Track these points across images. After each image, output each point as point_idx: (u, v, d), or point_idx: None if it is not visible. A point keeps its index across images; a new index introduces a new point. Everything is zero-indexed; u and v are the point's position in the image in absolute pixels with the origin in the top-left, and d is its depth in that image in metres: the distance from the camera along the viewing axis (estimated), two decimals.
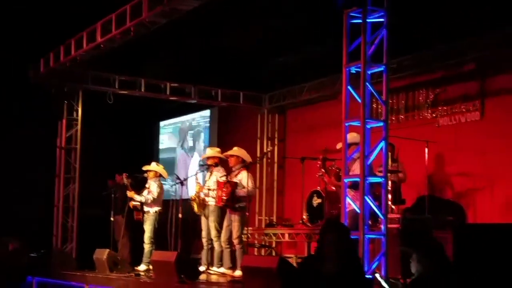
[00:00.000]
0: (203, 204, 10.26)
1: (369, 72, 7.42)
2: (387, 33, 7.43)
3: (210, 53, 13.28)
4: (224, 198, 9.64)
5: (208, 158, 10.53)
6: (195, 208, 10.31)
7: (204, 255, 10.30)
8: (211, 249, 10.14)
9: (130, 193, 11.25)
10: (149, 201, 11.02)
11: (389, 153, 9.33)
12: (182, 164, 17.38)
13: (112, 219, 12.15)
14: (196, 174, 10.59)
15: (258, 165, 14.67)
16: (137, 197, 11.14)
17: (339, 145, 8.66)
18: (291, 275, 5.76)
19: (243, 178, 9.72)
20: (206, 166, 10.59)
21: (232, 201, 9.67)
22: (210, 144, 15.58)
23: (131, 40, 10.83)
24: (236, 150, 10.08)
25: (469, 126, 10.91)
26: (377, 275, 6.58)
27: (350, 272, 5.21)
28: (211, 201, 10.06)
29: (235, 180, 9.82)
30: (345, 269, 5.07)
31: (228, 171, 10.20)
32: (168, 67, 13.93)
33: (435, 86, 11.49)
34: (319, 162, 10.22)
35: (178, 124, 17.90)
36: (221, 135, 16.27)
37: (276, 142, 15.14)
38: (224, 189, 9.67)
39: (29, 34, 13.61)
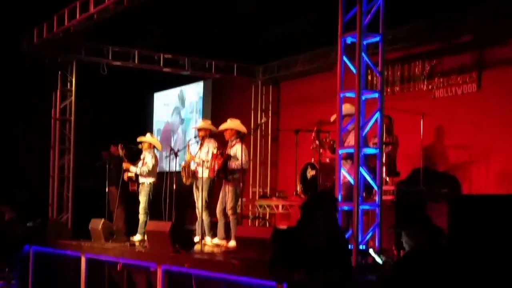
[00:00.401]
0: (191, 175, 10.26)
1: (364, 43, 7.37)
2: (383, 3, 7.37)
3: (203, 24, 13.19)
4: (217, 168, 9.63)
5: (200, 129, 10.50)
6: (183, 178, 10.31)
7: (198, 226, 10.31)
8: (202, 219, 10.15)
9: (125, 165, 11.25)
10: (144, 173, 11.02)
11: (385, 125, 9.34)
12: (173, 136, 17.38)
13: (106, 190, 12.16)
14: (188, 145, 10.57)
15: (252, 137, 14.67)
16: (133, 169, 11.14)
17: (333, 117, 8.66)
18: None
19: (237, 150, 9.71)
20: (197, 137, 10.58)
21: (225, 172, 9.66)
22: (204, 116, 15.56)
23: (124, 10, 10.72)
24: (230, 123, 10.03)
25: (465, 98, 10.90)
26: (371, 250, 6.59)
27: (336, 245, 5.40)
28: (203, 173, 10.03)
29: (230, 152, 9.80)
30: (332, 242, 5.10)
31: (221, 143, 10.18)
32: (161, 38, 13.85)
33: (431, 58, 11.45)
34: (313, 134, 10.20)
35: (172, 96, 17.85)
36: (215, 107, 16.24)
37: (270, 114, 15.13)
38: (217, 160, 9.66)
39: (22, 5, 13.49)
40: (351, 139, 8.03)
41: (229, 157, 9.66)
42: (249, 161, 9.84)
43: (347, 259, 5.47)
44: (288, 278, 4.92)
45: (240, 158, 9.60)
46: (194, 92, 17.04)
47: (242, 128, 10.06)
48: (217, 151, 9.85)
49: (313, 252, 4.91)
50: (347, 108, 8.04)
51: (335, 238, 5.13)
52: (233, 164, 9.64)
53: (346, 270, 5.11)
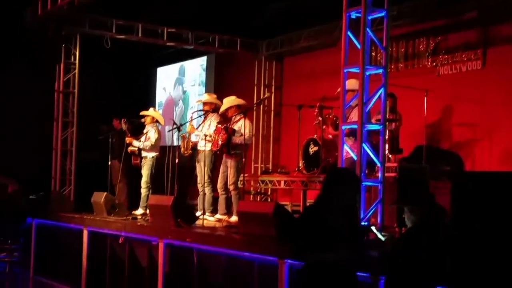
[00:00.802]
0: (191, 147, 10.27)
1: (369, 18, 7.32)
2: None
3: None
4: (220, 143, 9.62)
5: (205, 103, 10.47)
6: (182, 149, 10.31)
7: (200, 201, 10.33)
8: (204, 193, 10.16)
9: (129, 139, 11.26)
10: (147, 147, 11.03)
11: (389, 103, 9.30)
12: (175, 108, 17.38)
13: (109, 163, 12.18)
14: (191, 119, 10.55)
15: (254, 112, 14.62)
16: (136, 143, 11.14)
17: (338, 90, 8.62)
18: (292, 224, 5.71)
19: (242, 125, 9.70)
20: (202, 111, 10.56)
21: (228, 147, 9.64)
22: (207, 91, 15.52)
23: None
24: (229, 101, 10.00)
25: (470, 76, 10.84)
26: (373, 228, 6.59)
27: (355, 223, 5.26)
28: (205, 147, 10.02)
29: (235, 127, 9.78)
30: (351, 220, 5.04)
31: (225, 118, 10.16)
32: (165, 12, 13.77)
33: (436, 34, 11.37)
34: (316, 110, 10.16)
35: (175, 70, 17.81)
36: (218, 82, 16.20)
37: (273, 90, 15.08)
38: (221, 134, 9.64)
39: None
40: (354, 115, 8.01)
41: (233, 131, 9.64)
42: (252, 136, 9.80)
43: (361, 241, 5.36)
44: (313, 258, 4.88)
45: (244, 133, 9.59)
46: (196, 66, 16.99)
47: (241, 101, 10.05)
48: (221, 125, 9.82)
49: (329, 231, 4.83)
50: (351, 83, 8.00)
51: (351, 218, 5.03)
52: (237, 139, 9.63)
53: (358, 252, 5.05)
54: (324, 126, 9.92)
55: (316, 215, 5.01)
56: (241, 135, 9.63)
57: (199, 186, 10.32)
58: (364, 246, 5.42)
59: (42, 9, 12.75)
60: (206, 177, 10.05)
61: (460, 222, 5.17)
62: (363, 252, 5.32)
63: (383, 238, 5.29)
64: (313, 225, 4.92)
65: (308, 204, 9.82)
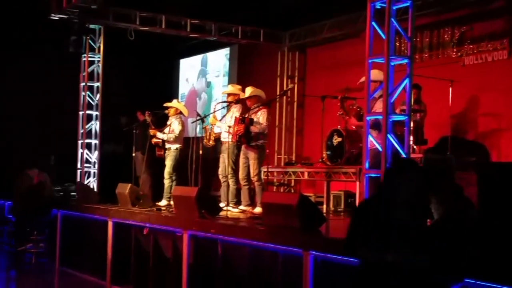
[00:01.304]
0: (214, 138, 10.28)
1: (394, 8, 7.26)
2: None
3: None
4: (238, 134, 9.59)
5: (229, 94, 10.46)
6: (205, 140, 10.32)
7: (223, 192, 10.34)
8: (228, 186, 10.16)
9: (152, 131, 11.28)
10: (171, 139, 11.05)
11: (414, 94, 9.23)
12: (198, 100, 17.41)
13: (133, 155, 12.23)
14: (214, 110, 10.55)
15: (278, 103, 14.63)
16: (160, 135, 11.17)
17: (362, 79, 8.58)
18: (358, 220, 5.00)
19: (261, 114, 9.68)
20: (226, 102, 10.55)
21: (246, 137, 9.61)
22: (230, 82, 15.52)
23: None
24: (252, 91, 9.97)
25: (495, 66, 10.73)
26: None
27: (424, 222, 4.73)
28: (229, 138, 10.01)
29: (254, 117, 9.75)
30: (419, 218, 4.52)
31: (248, 110, 10.13)
32: (188, 4, 13.79)
33: (461, 24, 11.27)
34: (338, 102, 10.12)
35: (198, 61, 17.83)
36: (241, 73, 16.20)
37: (296, 81, 15.05)
38: (238, 126, 9.61)
39: None
40: (377, 107, 7.95)
41: (251, 121, 9.59)
42: (268, 126, 9.70)
43: (433, 243, 4.62)
44: (370, 257, 4.39)
45: (261, 122, 9.57)
46: (220, 56, 16.99)
47: (263, 94, 10.03)
48: (240, 116, 9.80)
49: (389, 228, 4.35)
50: (374, 74, 7.93)
51: (419, 216, 4.49)
52: (256, 128, 9.58)
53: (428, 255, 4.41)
54: (347, 117, 9.88)
55: (374, 209, 4.50)
56: (259, 124, 9.61)
57: (220, 177, 10.33)
58: (440, 250, 4.59)
59: (67, 2, 12.82)
60: (229, 169, 10.04)
61: (487, 213, 5.12)
62: (439, 256, 4.54)
63: None
64: (371, 220, 4.46)
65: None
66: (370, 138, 7.57)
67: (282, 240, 7.00)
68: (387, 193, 4.47)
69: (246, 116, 9.74)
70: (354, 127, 9.83)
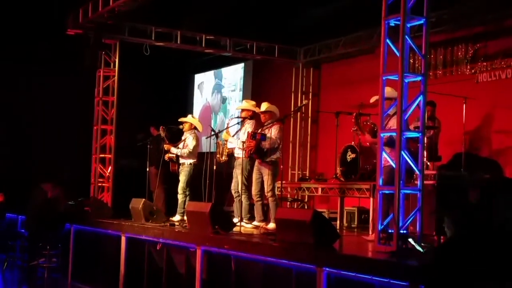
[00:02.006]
0: (226, 153, 10.29)
1: (408, 25, 7.28)
2: None
3: (246, 6, 13.18)
4: (249, 150, 9.59)
5: (243, 110, 10.49)
6: (218, 155, 10.34)
7: (235, 207, 10.34)
8: (240, 201, 10.17)
9: (167, 146, 11.32)
10: (185, 154, 11.07)
11: (428, 111, 9.21)
12: (213, 116, 17.46)
13: (147, 170, 12.27)
14: (227, 126, 10.57)
15: (292, 119, 14.66)
16: (174, 150, 11.20)
17: (373, 99, 8.59)
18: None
19: (273, 130, 9.70)
20: (240, 118, 10.57)
21: (258, 154, 9.60)
22: (244, 98, 15.57)
23: None
24: (268, 107, 9.98)
25: (509, 83, 10.73)
26: (411, 239, 6.53)
27: None
28: (240, 154, 10.02)
29: (267, 134, 9.76)
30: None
31: (262, 126, 10.14)
32: (204, 19, 13.88)
33: (475, 41, 11.28)
34: (353, 118, 10.12)
35: (212, 77, 17.90)
36: (255, 88, 16.25)
37: (310, 96, 15.07)
38: (250, 140, 9.61)
39: None
40: (391, 124, 7.95)
41: (262, 137, 9.58)
42: (280, 141, 9.67)
43: None
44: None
45: (272, 137, 9.58)
46: (234, 73, 17.05)
47: (277, 111, 10.03)
48: (251, 131, 9.80)
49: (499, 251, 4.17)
50: (388, 92, 7.94)
51: None
52: (267, 144, 9.59)
53: None
54: (361, 134, 9.88)
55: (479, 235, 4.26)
56: (270, 139, 9.62)
57: (233, 192, 10.33)
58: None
59: (83, 17, 12.94)
60: (241, 185, 10.04)
61: (501, 230, 5.10)
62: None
63: (421, 250, 5.18)
64: (479, 248, 4.22)
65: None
66: (384, 155, 7.56)
67: (295, 256, 7.00)
68: (490, 215, 4.22)
69: (259, 131, 9.75)
70: (368, 144, 9.82)
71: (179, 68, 17.63)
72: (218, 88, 17.65)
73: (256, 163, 9.85)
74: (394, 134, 7.25)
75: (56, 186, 12.08)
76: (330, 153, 12.06)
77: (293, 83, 15.26)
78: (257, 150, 9.56)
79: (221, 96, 17.49)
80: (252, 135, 9.60)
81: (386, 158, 7.48)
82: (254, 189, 9.88)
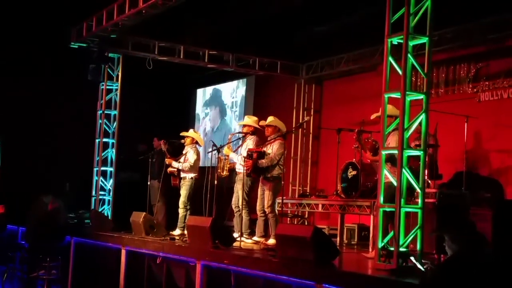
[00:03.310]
0: (228, 168, 10.30)
1: (411, 44, 7.31)
2: (432, 4, 7.29)
3: (248, 22, 13.24)
4: (247, 170, 9.63)
5: (244, 125, 10.51)
6: (219, 170, 10.33)
7: (235, 222, 10.34)
8: (241, 216, 10.17)
9: (168, 160, 11.34)
10: (186, 169, 11.09)
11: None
12: (214, 131, 17.48)
13: (148, 183, 12.28)
14: (229, 141, 10.60)
15: (293, 135, 14.67)
16: (175, 164, 11.22)
17: (373, 116, 8.61)
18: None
19: (273, 146, 9.71)
20: (241, 133, 10.59)
21: (256, 172, 9.65)
22: (246, 113, 15.59)
23: (172, 6, 10.86)
24: (273, 120, 10.02)
25: (511, 102, 10.73)
26: (413, 258, 6.52)
27: None
28: (241, 169, 10.02)
29: (268, 149, 9.77)
30: None
31: (263, 141, 10.16)
32: (207, 35, 13.95)
33: (477, 60, 11.32)
34: (354, 135, 10.13)
35: (215, 92, 17.94)
36: (257, 104, 16.28)
37: (312, 113, 15.10)
38: (247, 160, 9.64)
39: None
40: (390, 141, 7.97)
41: (260, 155, 9.59)
42: (278, 157, 9.68)
43: None
44: None
45: (269, 153, 9.59)
46: (236, 88, 17.09)
47: (283, 127, 10.05)
48: (248, 151, 9.82)
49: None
50: (389, 109, 7.96)
51: None
52: (264, 163, 9.61)
53: None
54: (362, 151, 9.88)
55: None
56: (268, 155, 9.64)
57: (233, 206, 10.34)
58: None
59: (87, 30, 13.01)
60: (242, 200, 10.04)
61: (502, 250, 5.11)
62: None
63: (423, 269, 5.17)
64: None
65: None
66: (386, 172, 7.57)
67: (295, 272, 7.00)
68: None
69: (260, 147, 9.77)
70: (369, 161, 9.84)
71: (182, 82, 17.68)
72: (219, 103, 17.67)
73: (261, 178, 9.88)
74: (395, 152, 7.27)
75: (56, 199, 12.07)
76: (331, 169, 12.07)
77: (295, 99, 15.29)
78: (254, 169, 9.59)
79: (221, 111, 17.51)
80: (248, 155, 9.63)
81: (387, 174, 7.48)
82: (258, 205, 9.90)
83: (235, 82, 17.05)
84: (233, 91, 17.22)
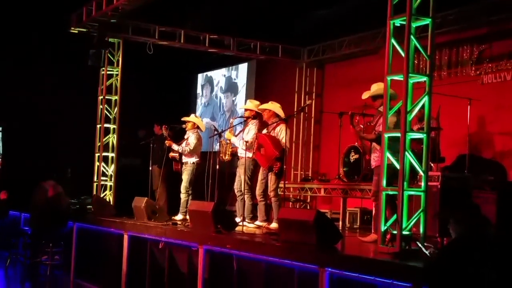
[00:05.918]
0: (230, 153, 10.28)
1: (413, 25, 7.24)
2: None
3: (249, 5, 13.16)
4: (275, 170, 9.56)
5: (246, 110, 10.46)
6: (221, 154, 10.30)
7: (237, 207, 10.33)
8: (243, 201, 10.14)
9: (168, 142, 11.33)
10: (185, 152, 11.07)
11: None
12: (216, 117, 17.44)
13: (150, 168, 12.26)
14: (231, 125, 10.56)
15: (295, 119, 14.63)
16: (175, 146, 11.21)
17: (364, 95, 8.57)
18: None
19: (281, 132, 9.66)
20: (243, 117, 10.55)
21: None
22: (247, 97, 15.55)
23: None
24: (269, 105, 9.96)
25: None
26: (418, 243, 6.49)
27: None
28: (243, 154, 9.99)
29: (273, 133, 9.74)
30: None
31: (264, 125, 10.12)
32: (207, 19, 13.88)
33: (480, 42, 11.25)
34: (357, 118, 10.03)
35: (216, 76, 17.88)
36: (259, 89, 16.23)
37: (313, 97, 15.04)
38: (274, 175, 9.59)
39: None
40: (381, 122, 7.92)
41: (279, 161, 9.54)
42: (288, 143, 9.64)
43: None
44: None
45: (283, 140, 9.54)
46: (238, 73, 17.03)
47: (281, 112, 9.97)
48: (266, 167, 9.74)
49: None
50: (379, 88, 7.93)
51: None
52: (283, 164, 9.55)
53: None
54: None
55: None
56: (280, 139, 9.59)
57: (236, 192, 10.31)
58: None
59: (87, 15, 12.94)
60: (245, 184, 10.02)
61: (505, 232, 5.07)
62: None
63: (426, 252, 5.15)
64: None
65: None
66: (389, 155, 7.52)
67: (298, 256, 6.97)
68: None
69: (265, 131, 9.72)
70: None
71: (183, 67, 17.62)
72: (220, 87, 17.62)
73: None
74: (398, 134, 7.21)
75: (58, 185, 12.07)
76: (333, 153, 12.04)
77: (296, 83, 15.24)
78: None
79: (223, 95, 17.46)
80: (269, 169, 9.56)
81: (390, 157, 7.42)
82: (258, 189, 9.87)
83: (236, 66, 16.98)
84: (235, 75, 17.15)
